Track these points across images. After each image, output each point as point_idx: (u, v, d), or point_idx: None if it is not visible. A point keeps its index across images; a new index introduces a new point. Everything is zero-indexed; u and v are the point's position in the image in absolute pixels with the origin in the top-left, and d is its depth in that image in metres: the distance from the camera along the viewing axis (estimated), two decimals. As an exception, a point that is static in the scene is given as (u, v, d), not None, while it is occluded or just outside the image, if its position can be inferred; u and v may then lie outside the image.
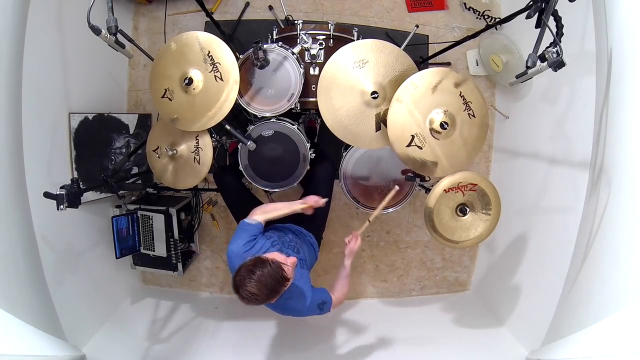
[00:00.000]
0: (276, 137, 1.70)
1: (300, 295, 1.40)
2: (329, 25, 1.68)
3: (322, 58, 1.69)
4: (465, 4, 2.48)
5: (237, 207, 1.78)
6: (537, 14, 1.28)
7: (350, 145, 1.72)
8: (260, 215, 1.48)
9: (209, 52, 1.51)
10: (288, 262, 1.25)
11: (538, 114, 2.13)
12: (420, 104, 1.46)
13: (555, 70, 1.20)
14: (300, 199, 1.92)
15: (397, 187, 1.70)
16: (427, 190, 1.71)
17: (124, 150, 2.29)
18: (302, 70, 1.60)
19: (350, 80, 1.52)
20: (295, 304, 1.39)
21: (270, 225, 1.58)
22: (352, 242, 1.61)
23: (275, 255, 1.27)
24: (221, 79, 1.52)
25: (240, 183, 1.84)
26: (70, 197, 1.47)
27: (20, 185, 1.56)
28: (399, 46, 1.66)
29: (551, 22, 1.25)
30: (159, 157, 1.74)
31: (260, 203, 1.81)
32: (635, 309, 1.07)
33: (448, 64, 2.49)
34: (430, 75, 1.46)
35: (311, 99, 1.68)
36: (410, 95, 1.45)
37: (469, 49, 2.47)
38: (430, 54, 2.38)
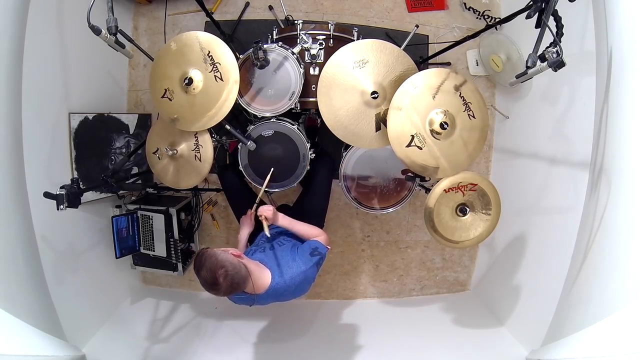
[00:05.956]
0: (276, 137, 1.70)
1: (288, 263, 1.39)
2: (329, 25, 1.68)
3: (322, 58, 1.68)
4: (465, 4, 2.48)
5: (239, 206, 1.79)
6: (537, 14, 1.28)
7: (350, 145, 1.72)
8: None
9: (209, 52, 1.51)
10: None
11: (538, 114, 2.13)
12: (420, 104, 1.46)
13: (555, 70, 1.20)
14: (299, 198, 1.93)
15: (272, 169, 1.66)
16: (427, 190, 1.71)
17: (124, 150, 2.29)
18: (302, 70, 1.60)
19: (350, 80, 1.52)
20: (293, 270, 1.37)
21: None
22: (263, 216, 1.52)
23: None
24: (221, 79, 1.52)
25: (244, 182, 1.84)
26: (70, 197, 1.46)
27: (20, 185, 1.56)
28: (399, 46, 1.66)
29: (551, 22, 1.25)
30: (159, 158, 1.74)
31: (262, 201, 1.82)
32: (635, 309, 1.07)
33: (448, 64, 2.50)
34: (430, 76, 1.46)
35: (311, 99, 1.68)
36: (410, 97, 1.45)
37: (469, 49, 2.47)
38: (430, 54, 2.38)
